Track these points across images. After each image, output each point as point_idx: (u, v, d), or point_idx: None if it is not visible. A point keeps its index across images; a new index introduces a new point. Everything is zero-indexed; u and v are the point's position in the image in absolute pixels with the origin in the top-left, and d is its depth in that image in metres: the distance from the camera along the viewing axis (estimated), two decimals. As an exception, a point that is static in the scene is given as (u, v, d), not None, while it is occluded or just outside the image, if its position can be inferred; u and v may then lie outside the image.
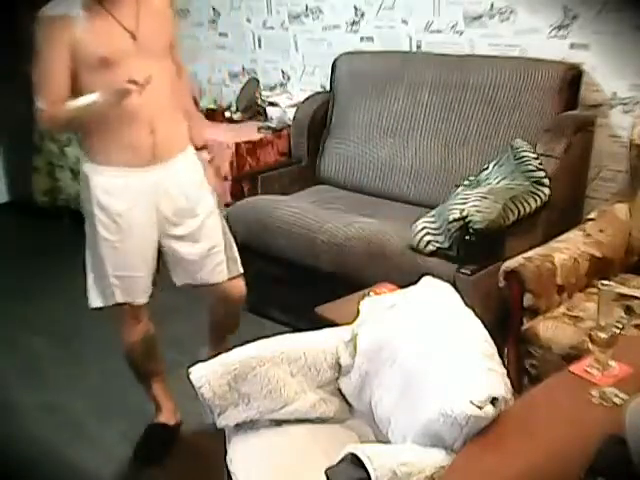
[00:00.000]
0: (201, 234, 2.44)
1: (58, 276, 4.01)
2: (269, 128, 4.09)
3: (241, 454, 1.91)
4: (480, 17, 3.49)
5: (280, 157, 4.05)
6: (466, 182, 3.08)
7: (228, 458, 1.93)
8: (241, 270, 2.57)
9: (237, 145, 3.84)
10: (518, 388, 2.29)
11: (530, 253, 2.54)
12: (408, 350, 1.79)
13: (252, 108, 4.41)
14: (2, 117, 5.03)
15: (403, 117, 3.60)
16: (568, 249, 2.60)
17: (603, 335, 1.68)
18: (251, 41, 4.59)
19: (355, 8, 3.98)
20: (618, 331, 1.70)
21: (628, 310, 2.41)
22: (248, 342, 2.01)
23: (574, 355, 2.18)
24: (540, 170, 2.87)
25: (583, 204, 3.22)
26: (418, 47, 3.77)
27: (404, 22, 3.79)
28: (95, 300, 2.44)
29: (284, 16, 4.35)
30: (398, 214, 3.30)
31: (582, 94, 3.18)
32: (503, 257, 2.61)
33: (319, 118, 3.94)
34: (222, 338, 2.70)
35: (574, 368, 1.76)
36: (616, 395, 1.61)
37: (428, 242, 2.81)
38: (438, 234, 2.80)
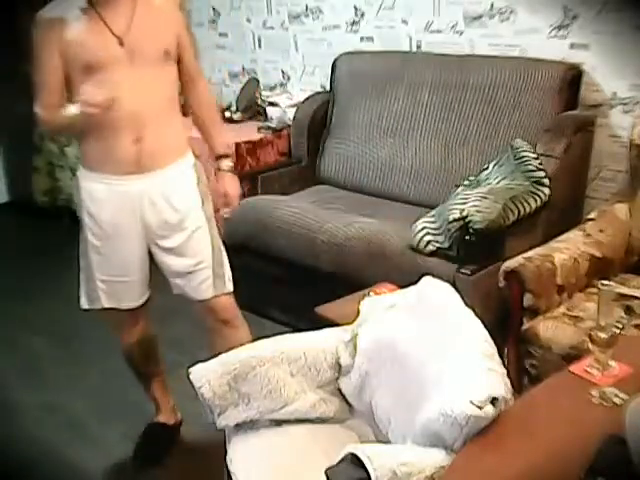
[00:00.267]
0: (187, 248, 2.33)
1: (58, 276, 4.00)
2: (269, 128, 4.09)
3: (241, 454, 1.91)
4: (480, 17, 3.49)
5: (280, 157, 4.05)
6: (466, 182, 3.08)
7: (228, 458, 1.93)
8: (230, 289, 2.43)
9: (237, 145, 3.83)
10: (518, 388, 2.29)
11: (530, 253, 2.54)
12: (408, 350, 1.79)
13: (252, 108, 4.41)
14: (2, 117, 5.04)
15: (403, 117, 3.60)
16: (568, 249, 2.60)
17: (603, 335, 1.68)
18: (251, 41, 4.59)
19: (355, 8, 3.98)
20: (618, 331, 1.69)
21: (628, 310, 2.41)
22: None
23: (574, 355, 2.18)
24: (540, 170, 2.87)
25: (583, 204, 3.22)
26: (418, 47, 3.77)
27: (404, 22, 3.79)
28: (83, 302, 2.43)
29: (284, 16, 4.35)
30: (398, 214, 3.30)
31: (582, 94, 3.18)
32: (503, 257, 2.61)
33: (319, 118, 3.94)
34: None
35: (574, 368, 1.76)
36: (616, 395, 1.61)
37: (428, 242, 2.81)
38: (438, 234, 2.80)
